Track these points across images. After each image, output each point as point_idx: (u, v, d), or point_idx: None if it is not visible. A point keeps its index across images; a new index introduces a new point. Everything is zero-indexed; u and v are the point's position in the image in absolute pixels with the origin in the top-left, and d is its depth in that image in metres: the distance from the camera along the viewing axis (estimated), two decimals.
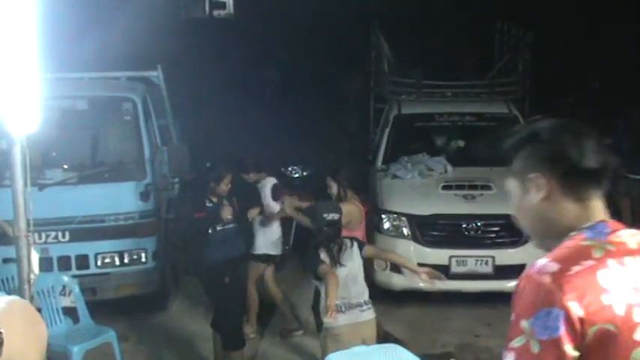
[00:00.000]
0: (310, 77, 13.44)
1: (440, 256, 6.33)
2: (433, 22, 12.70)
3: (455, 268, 6.33)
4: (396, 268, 6.43)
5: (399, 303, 6.49)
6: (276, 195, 6.21)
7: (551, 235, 1.56)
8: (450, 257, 6.33)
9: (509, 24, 9.83)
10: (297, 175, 8.47)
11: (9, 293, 5.05)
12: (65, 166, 6.17)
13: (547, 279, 1.45)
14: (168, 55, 9.25)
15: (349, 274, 4.47)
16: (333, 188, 5.64)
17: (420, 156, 7.34)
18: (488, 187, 6.62)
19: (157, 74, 7.12)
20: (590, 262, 1.46)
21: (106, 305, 5.95)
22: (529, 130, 1.65)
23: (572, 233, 1.54)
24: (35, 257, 3.92)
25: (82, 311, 5.33)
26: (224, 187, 5.40)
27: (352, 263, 4.49)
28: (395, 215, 6.55)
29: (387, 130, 7.69)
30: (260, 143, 9.55)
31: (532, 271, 1.48)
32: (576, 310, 1.41)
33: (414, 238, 6.44)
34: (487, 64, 9.81)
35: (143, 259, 6.13)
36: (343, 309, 4.40)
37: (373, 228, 6.52)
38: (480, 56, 11.01)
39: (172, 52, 10.73)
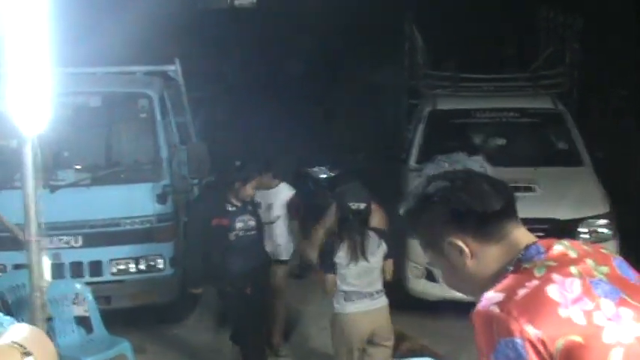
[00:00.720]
0: (339, 71, 13.43)
1: None
2: (471, 9, 12.59)
3: None
4: (431, 276, 6.39)
5: (435, 314, 6.44)
6: (293, 211, 5.95)
7: (491, 282, 1.57)
8: None
9: (556, 10, 9.71)
10: (324, 176, 8.46)
11: (19, 301, 5.14)
12: (78, 167, 6.25)
13: (495, 310, 1.47)
14: (187, 48, 9.33)
15: (368, 268, 4.55)
16: None
17: (457, 155, 7.27)
18: (530, 189, 6.55)
19: (174, 68, 7.15)
20: (534, 282, 1.49)
21: (121, 315, 6.01)
22: (418, 198, 1.67)
23: (509, 268, 1.57)
24: (47, 263, 3.98)
25: (96, 321, 5.39)
26: (250, 189, 5.38)
27: (374, 260, 4.60)
28: None
29: (421, 127, 7.64)
30: (284, 141, 9.57)
31: (480, 307, 1.51)
32: (534, 332, 1.43)
33: None
34: (530, 54, 9.70)
35: (160, 266, 6.18)
36: (354, 298, 4.57)
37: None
38: (523, 46, 10.91)
39: (191, 44, 10.82)
